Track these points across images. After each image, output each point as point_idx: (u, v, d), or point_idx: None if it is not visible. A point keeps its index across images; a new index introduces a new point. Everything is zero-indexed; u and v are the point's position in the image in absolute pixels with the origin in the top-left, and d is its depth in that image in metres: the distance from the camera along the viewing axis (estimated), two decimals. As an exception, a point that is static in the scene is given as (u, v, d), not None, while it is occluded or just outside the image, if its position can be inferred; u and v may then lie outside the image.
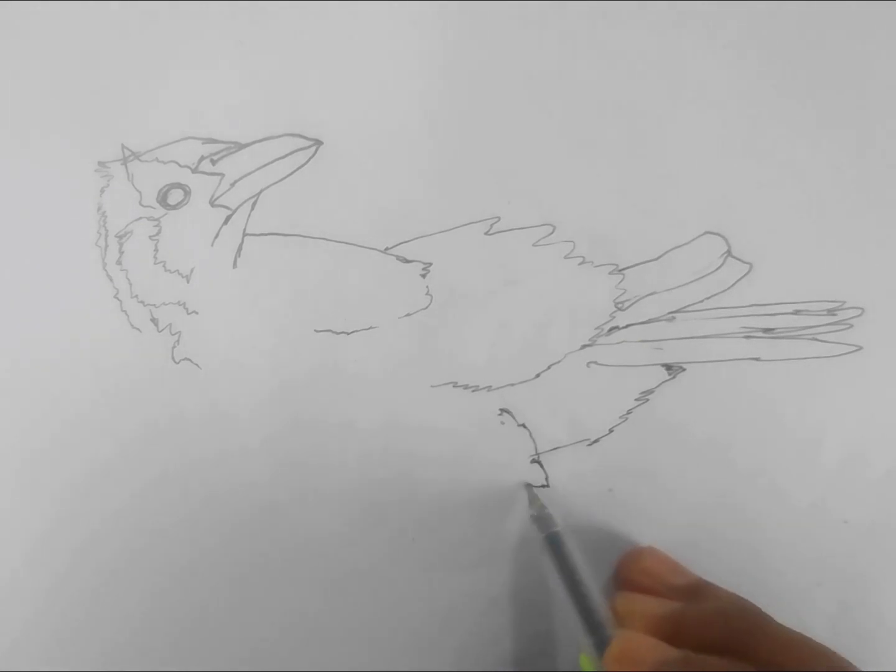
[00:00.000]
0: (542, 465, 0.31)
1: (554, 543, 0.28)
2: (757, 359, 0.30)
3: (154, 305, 0.29)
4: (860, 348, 0.30)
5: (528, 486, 0.31)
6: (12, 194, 0.28)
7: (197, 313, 0.29)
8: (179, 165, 0.28)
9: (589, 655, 0.25)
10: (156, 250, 0.29)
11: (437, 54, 0.28)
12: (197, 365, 0.30)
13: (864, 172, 0.29)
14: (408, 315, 0.30)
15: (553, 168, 0.29)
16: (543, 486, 0.31)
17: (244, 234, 0.29)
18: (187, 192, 0.28)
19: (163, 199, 0.28)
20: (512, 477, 0.31)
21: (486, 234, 0.29)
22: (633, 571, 0.29)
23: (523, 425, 0.31)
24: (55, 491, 0.30)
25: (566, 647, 0.32)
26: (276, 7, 0.27)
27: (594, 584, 0.27)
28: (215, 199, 0.29)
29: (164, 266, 0.29)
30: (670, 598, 0.27)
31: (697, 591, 0.28)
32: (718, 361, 0.31)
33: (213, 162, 0.28)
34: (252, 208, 0.29)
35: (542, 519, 0.29)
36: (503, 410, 0.31)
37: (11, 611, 0.30)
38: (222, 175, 0.28)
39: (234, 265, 0.29)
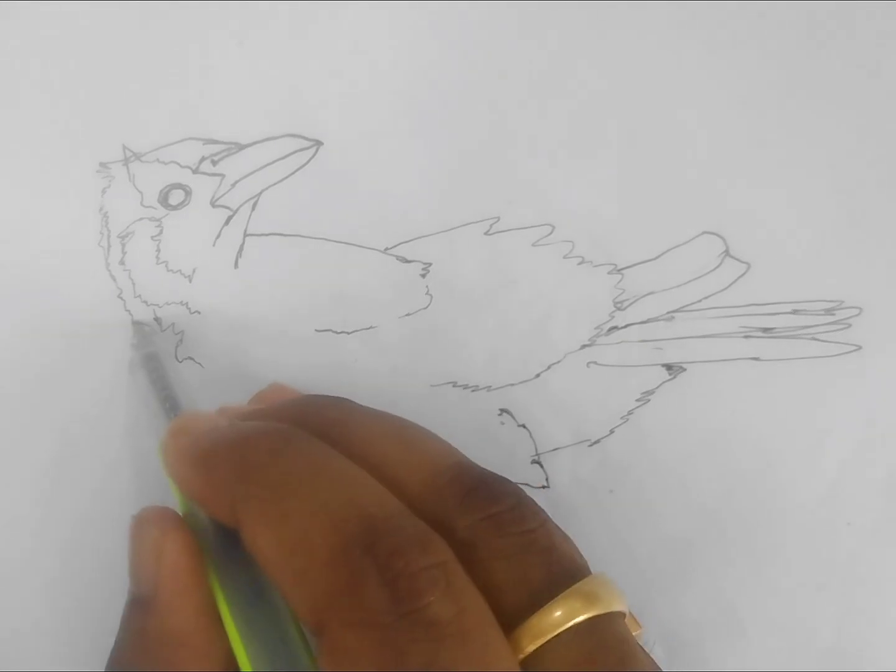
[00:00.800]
0: (542, 466, 0.31)
1: (151, 361, 0.28)
2: (756, 358, 0.31)
3: (157, 305, 0.29)
4: (859, 348, 0.30)
5: (136, 323, 0.30)
6: (14, 196, 0.28)
7: (199, 313, 0.29)
8: (180, 166, 0.28)
9: None
10: (158, 251, 0.29)
11: (438, 55, 0.28)
12: (200, 364, 0.30)
13: (863, 172, 0.29)
14: (408, 315, 0.30)
15: (552, 168, 0.29)
16: (544, 486, 0.31)
17: (245, 235, 0.29)
18: (188, 193, 0.29)
19: (164, 199, 0.29)
20: (512, 477, 0.31)
21: (485, 234, 0.30)
22: (254, 401, 0.28)
23: (523, 426, 0.31)
24: (60, 493, 0.30)
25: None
26: (277, 8, 0.27)
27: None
28: (216, 200, 0.29)
29: (166, 266, 0.29)
30: None
31: None
32: (718, 361, 0.31)
33: (214, 163, 0.29)
34: (253, 209, 0.29)
35: (141, 345, 0.29)
36: (503, 411, 0.31)
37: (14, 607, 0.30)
38: (223, 176, 0.29)
39: (236, 265, 0.29)
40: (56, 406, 0.29)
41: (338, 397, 0.24)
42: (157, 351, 0.28)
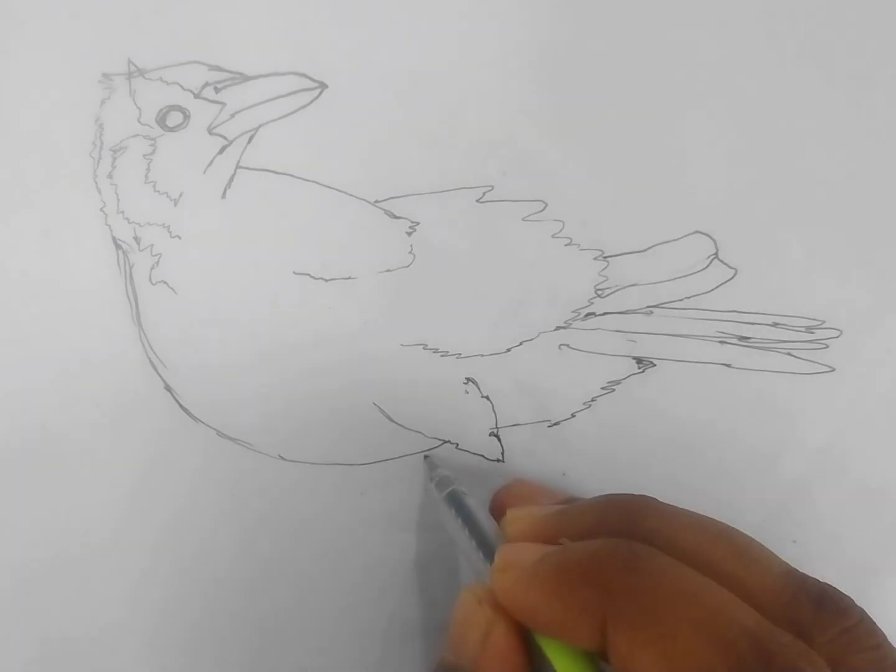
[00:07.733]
0: (499, 440, 0.31)
1: (454, 498, 0.28)
2: (728, 365, 0.30)
3: (138, 224, 0.29)
4: (833, 370, 0.30)
5: (427, 457, 0.31)
6: (11, 94, 0.28)
7: (180, 238, 0.29)
8: (182, 88, 0.28)
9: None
10: (148, 169, 0.29)
11: (449, 19, 0.28)
12: (173, 289, 0.30)
13: (858, 195, 0.29)
14: (388, 271, 0.30)
15: (551, 146, 0.29)
16: (498, 460, 0.31)
17: (237, 167, 0.29)
18: (187, 116, 0.28)
19: (161, 119, 0.28)
20: (469, 448, 0.31)
21: (477, 200, 0.29)
22: (507, 499, 0.28)
23: (487, 397, 0.31)
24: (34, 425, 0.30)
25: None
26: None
27: (493, 525, 0.27)
28: (213, 128, 0.29)
29: (153, 186, 0.29)
30: None
31: (575, 499, 0.27)
32: (689, 362, 0.30)
33: (217, 90, 0.28)
34: (248, 142, 0.29)
35: (441, 481, 0.29)
36: (469, 380, 0.31)
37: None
38: (223, 104, 0.28)
39: (223, 196, 0.29)
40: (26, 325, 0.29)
41: (641, 496, 0.23)
42: (457, 489, 0.28)
